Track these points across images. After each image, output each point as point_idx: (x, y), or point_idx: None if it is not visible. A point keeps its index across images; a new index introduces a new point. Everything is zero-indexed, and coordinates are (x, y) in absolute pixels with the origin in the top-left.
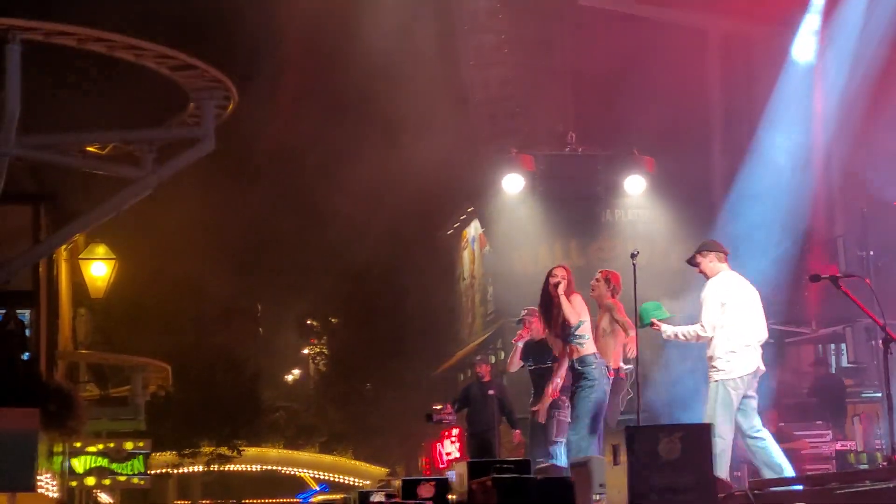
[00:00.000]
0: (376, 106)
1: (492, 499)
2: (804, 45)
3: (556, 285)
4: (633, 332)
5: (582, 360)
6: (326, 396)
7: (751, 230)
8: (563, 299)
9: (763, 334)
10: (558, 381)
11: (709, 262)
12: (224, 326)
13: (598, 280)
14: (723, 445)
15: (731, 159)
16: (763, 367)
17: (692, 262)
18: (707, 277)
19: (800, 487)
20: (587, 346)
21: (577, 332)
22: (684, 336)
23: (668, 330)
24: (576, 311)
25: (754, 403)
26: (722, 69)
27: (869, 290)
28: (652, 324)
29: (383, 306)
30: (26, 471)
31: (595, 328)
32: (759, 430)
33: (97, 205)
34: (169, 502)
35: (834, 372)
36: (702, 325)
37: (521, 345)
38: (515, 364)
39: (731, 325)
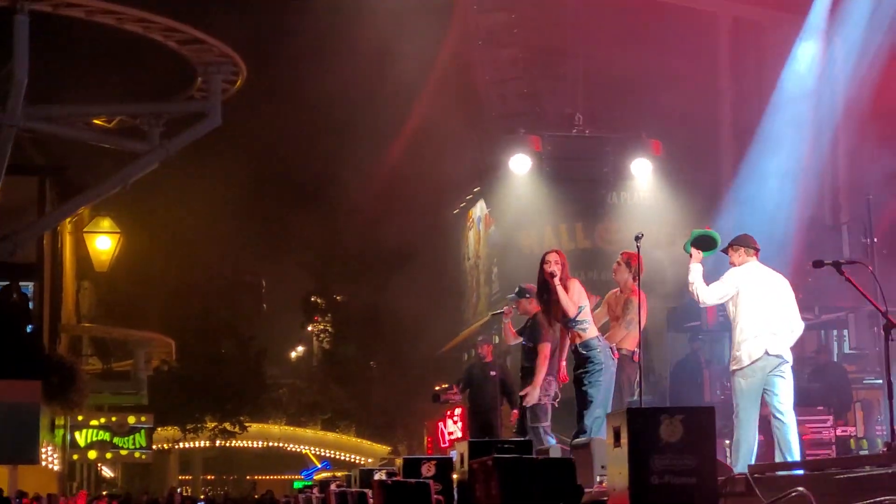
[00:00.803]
0: (386, 84)
1: (492, 479)
2: (812, 30)
3: (552, 275)
4: (634, 330)
5: (586, 345)
6: (330, 374)
7: (756, 215)
8: (560, 291)
9: (785, 323)
10: (555, 365)
11: (738, 255)
12: (229, 302)
13: (619, 263)
14: (741, 434)
15: (739, 144)
16: (778, 350)
17: (725, 251)
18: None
19: (799, 472)
20: (589, 331)
21: (577, 318)
22: (694, 288)
23: (694, 272)
24: (573, 301)
25: (780, 382)
26: (731, 54)
27: (871, 277)
28: (695, 248)
29: (388, 284)
30: (29, 443)
31: (612, 310)
32: (782, 413)
33: (103, 178)
34: (171, 477)
35: (836, 360)
36: (706, 289)
37: (506, 321)
38: (511, 338)
39: (743, 315)
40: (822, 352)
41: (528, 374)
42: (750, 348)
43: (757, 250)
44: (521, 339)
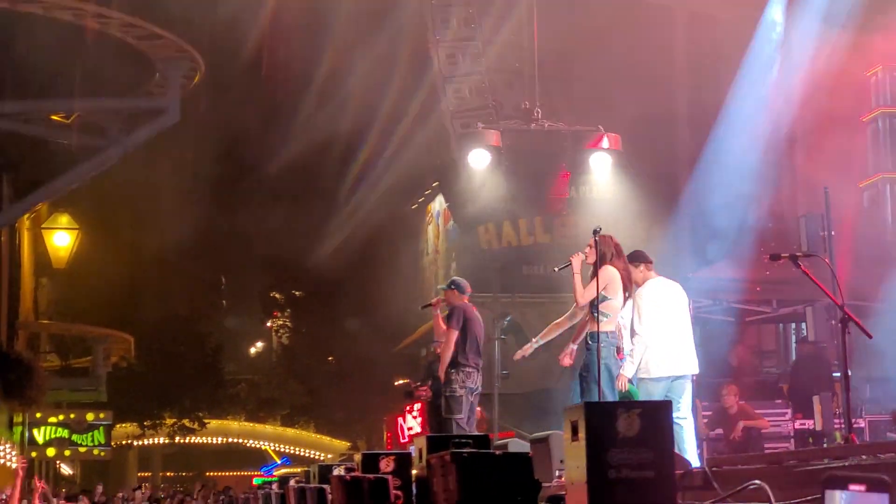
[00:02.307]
0: (343, 80)
1: (450, 473)
2: (769, 24)
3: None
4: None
5: (591, 335)
6: (289, 370)
7: (714, 208)
8: (576, 278)
9: (689, 336)
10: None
11: (639, 272)
12: (188, 299)
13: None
14: None
15: (697, 137)
16: (683, 370)
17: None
18: (638, 286)
19: (758, 465)
20: (604, 324)
21: (598, 306)
22: (633, 357)
23: (628, 369)
24: (584, 288)
25: (682, 391)
26: (688, 47)
27: (828, 270)
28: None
29: (346, 280)
30: None
31: None
32: (682, 417)
33: (61, 174)
34: (130, 474)
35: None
36: (642, 334)
37: (436, 312)
38: (441, 332)
39: (650, 329)
40: (804, 343)
41: (451, 364)
42: (658, 361)
43: (651, 262)
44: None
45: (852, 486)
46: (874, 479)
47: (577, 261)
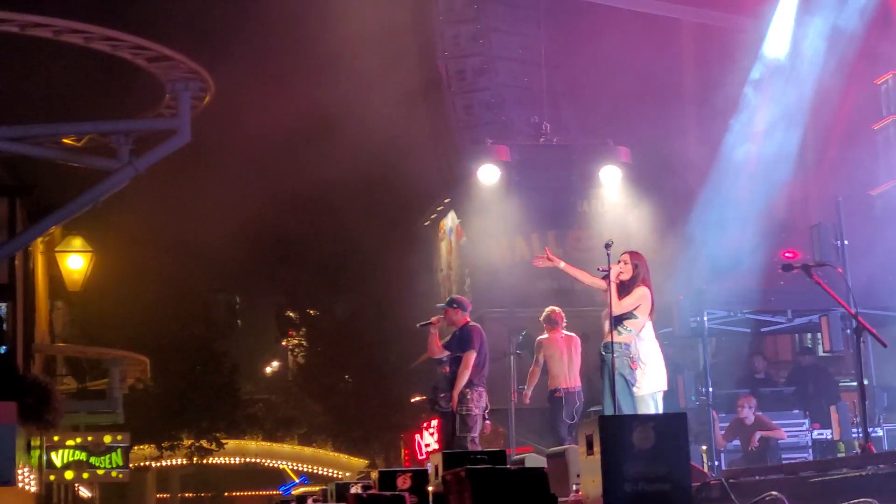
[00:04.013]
0: (351, 97)
1: (466, 490)
2: (777, 35)
3: (618, 274)
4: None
5: (605, 346)
6: (305, 388)
7: (726, 219)
8: (611, 288)
9: None
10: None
11: None
12: (203, 319)
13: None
14: None
15: (707, 148)
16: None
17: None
18: None
19: (775, 476)
20: (622, 336)
21: (625, 323)
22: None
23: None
24: (620, 302)
25: None
26: (696, 59)
27: (842, 279)
28: None
29: (361, 298)
30: (5, 464)
31: None
32: None
33: (74, 197)
34: (148, 495)
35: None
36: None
37: (434, 331)
38: (436, 350)
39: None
40: (805, 353)
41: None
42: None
43: None
44: (445, 353)
45: None
46: None
47: (614, 271)
